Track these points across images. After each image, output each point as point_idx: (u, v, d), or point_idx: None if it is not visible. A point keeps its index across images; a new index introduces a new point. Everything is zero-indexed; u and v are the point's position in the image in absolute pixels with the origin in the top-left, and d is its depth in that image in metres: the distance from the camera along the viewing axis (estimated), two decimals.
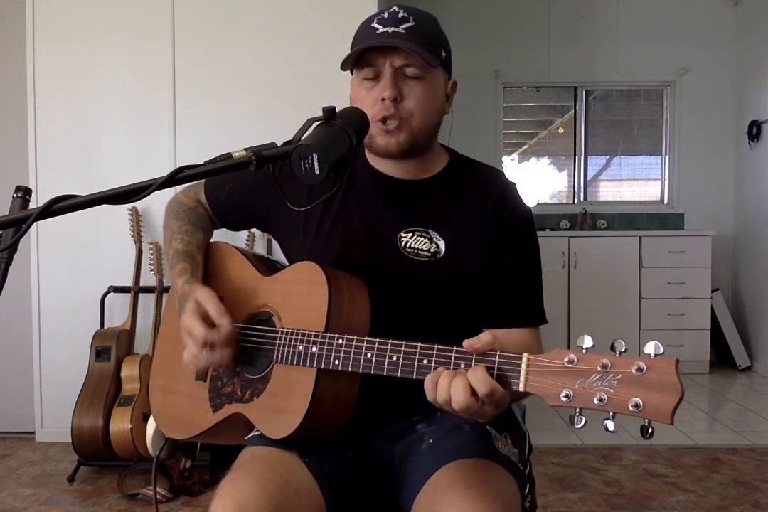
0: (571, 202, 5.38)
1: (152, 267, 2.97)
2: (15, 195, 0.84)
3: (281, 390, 1.07)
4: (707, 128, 5.13)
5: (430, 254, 1.16)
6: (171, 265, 1.23)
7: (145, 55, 3.11)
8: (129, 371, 2.76)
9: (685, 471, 2.77)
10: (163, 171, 0.85)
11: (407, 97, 1.12)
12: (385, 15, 1.14)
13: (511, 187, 1.23)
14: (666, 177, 5.29)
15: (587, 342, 0.83)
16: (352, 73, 1.18)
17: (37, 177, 3.08)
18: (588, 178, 5.41)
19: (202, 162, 0.88)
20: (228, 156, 0.88)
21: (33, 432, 3.14)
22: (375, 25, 1.13)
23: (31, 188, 0.86)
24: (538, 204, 5.36)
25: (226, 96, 3.11)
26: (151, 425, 2.60)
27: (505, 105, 5.29)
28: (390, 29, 1.11)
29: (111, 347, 2.79)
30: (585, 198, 5.38)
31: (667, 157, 5.28)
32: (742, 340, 4.72)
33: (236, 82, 3.11)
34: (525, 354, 0.86)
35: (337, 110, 0.99)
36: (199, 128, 3.10)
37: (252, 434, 1.16)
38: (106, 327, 2.95)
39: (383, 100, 1.11)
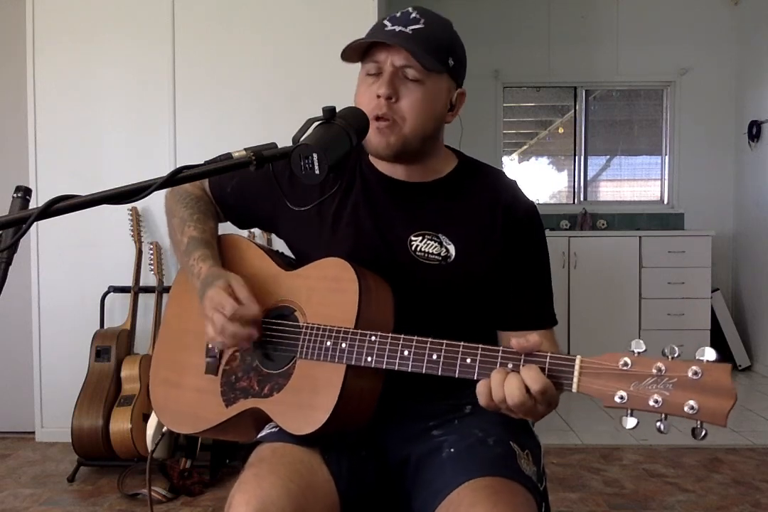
0: (571, 202, 5.38)
1: (152, 267, 2.97)
2: (15, 195, 0.84)
3: (305, 386, 1.06)
4: (707, 128, 5.13)
5: (440, 258, 1.16)
6: (188, 251, 1.21)
7: (145, 55, 3.11)
8: (129, 371, 2.76)
9: (685, 471, 2.77)
10: (163, 171, 0.85)
11: (403, 98, 1.12)
12: (398, 14, 1.14)
13: (520, 191, 1.24)
14: (666, 177, 5.29)
15: (640, 346, 0.85)
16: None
17: (37, 177, 3.08)
18: (588, 178, 5.41)
19: (202, 162, 0.88)
20: (228, 156, 0.88)
21: (33, 432, 3.14)
22: (386, 22, 1.13)
23: (31, 188, 0.86)
24: (538, 204, 5.34)
25: (226, 96, 3.11)
26: (150, 425, 2.58)
27: (505, 105, 5.29)
28: (398, 28, 1.11)
29: (111, 347, 2.79)
30: (585, 198, 5.38)
31: (667, 157, 5.28)
32: (742, 340, 4.72)
33: (236, 82, 3.11)
34: (578, 357, 0.88)
35: (337, 110, 0.99)
36: (199, 128, 3.10)
37: (268, 431, 1.13)
38: (106, 327, 2.95)
39: (378, 97, 1.11)
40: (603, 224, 5.14)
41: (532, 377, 0.88)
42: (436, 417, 1.17)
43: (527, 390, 0.88)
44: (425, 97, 1.12)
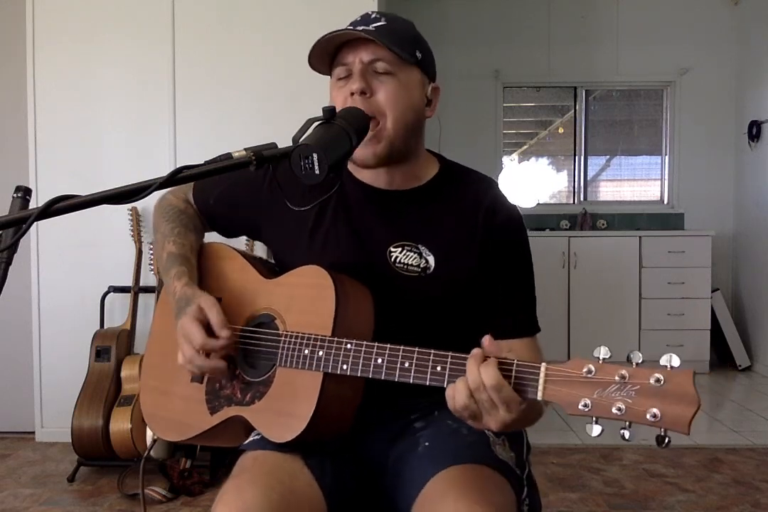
0: (571, 202, 5.38)
1: (152, 267, 2.97)
2: (15, 195, 0.84)
3: (285, 394, 1.06)
4: (707, 128, 5.13)
5: (420, 269, 1.14)
6: (165, 268, 1.21)
7: (145, 55, 3.11)
8: (129, 371, 2.76)
9: (685, 471, 2.77)
10: (163, 171, 0.85)
11: (377, 91, 1.10)
12: (358, 18, 1.14)
13: (501, 196, 1.21)
14: (666, 177, 5.29)
15: (604, 352, 0.84)
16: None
17: (37, 177, 3.08)
18: (588, 178, 5.41)
19: (202, 162, 0.88)
20: (228, 156, 0.88)
21: (33, 432, 3.14)
22: (348, 26, 1.13)
23: (31, 188, 0.86)
24: (538, 204, 5.36)
25: (226, 96, 3.11)
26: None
27: (505, 105, 5.29)
28: (360, 27, 1.10)
29: (111, 347, 2.79)
30: (585, 198, 5.38)
31: (667, 157, 5.28)
32: (742, 340, 4.72)
33: (236, 82, 3.11)
34: (543, 364, 0.87)
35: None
36: (199, 128, 3.10)
37: (251, 438, 1.14)
38: (106, 327, 2.96)
39: (352, 94, 1.09)
40: (603, 224, 5.14)
41: (487, 372, 0.87)
42: (417, 410, 1.17)
43: (483, 386, 0.88)
44: (399, 88, 1.11)
